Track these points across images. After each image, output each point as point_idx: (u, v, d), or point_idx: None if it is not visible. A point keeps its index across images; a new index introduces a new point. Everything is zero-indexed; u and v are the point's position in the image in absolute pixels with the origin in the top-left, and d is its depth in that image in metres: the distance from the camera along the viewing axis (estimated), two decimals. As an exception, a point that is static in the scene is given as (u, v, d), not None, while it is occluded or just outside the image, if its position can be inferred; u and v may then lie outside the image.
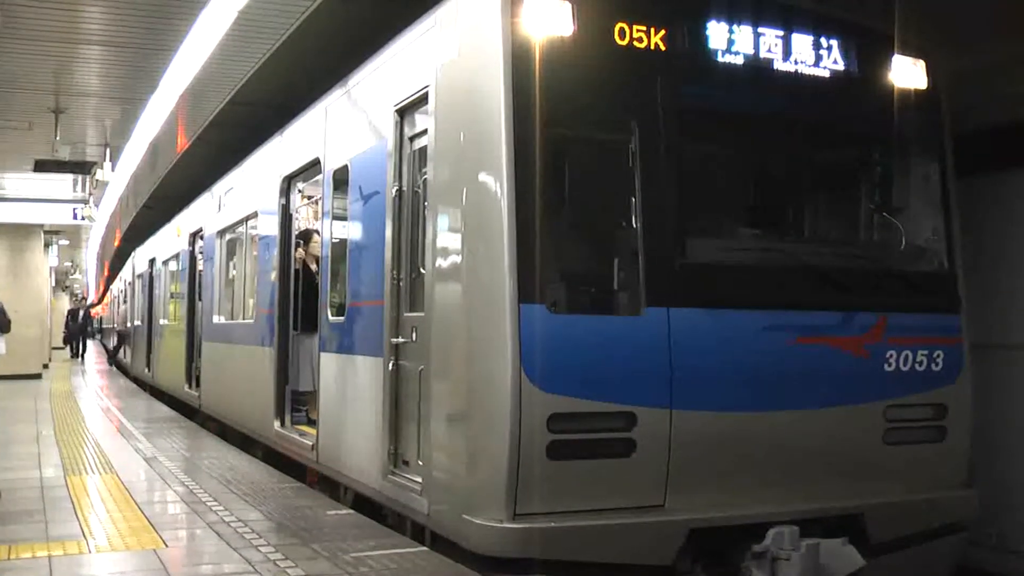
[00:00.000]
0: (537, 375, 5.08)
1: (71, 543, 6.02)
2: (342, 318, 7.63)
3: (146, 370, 20.97)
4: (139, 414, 15.19)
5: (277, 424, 9.36)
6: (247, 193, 11.44)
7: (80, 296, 60.16)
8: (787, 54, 5.95)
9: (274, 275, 9.61)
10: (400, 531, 6.33)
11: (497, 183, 5.25)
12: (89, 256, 37.52)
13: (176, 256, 17.23)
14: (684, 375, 5.38)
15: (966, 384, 6.27)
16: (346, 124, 7.82)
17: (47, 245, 27.16)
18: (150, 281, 21.20)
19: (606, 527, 5.19)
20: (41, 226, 23.78)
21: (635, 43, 5.51)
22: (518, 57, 5.24)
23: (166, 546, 5.98)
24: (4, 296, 23.40)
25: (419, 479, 5.91)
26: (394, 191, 6.48)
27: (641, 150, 5.51)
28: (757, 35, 5.87)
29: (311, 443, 8.17)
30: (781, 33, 5.93)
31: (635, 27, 5.50)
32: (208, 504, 7.29)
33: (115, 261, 35.22)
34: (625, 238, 5.47)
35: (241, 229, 12.04)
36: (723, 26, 5.77)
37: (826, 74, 6.07)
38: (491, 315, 5.22)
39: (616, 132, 5.60)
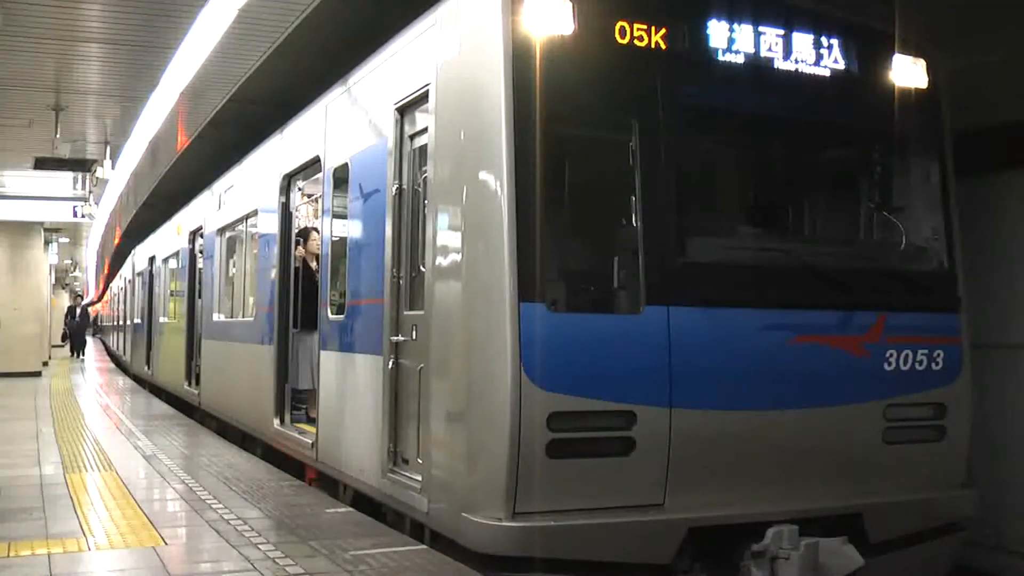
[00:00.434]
0: (537, 373, 5.08)
1: (70, 541, 6.03)
2: (342, 316, 7.63)
3: (146, 368, 20.97)
4: (139, 412, 15.20)
5: (276, 422, 9.36)
6: (247, 191, 11.44)
7: (78, 294, 60.12)
8: (787, 53, 5.95)
9: (274, 273, 9.61)
10: (399, 529, 6.33)
11: (497, 181, 5.25)
12: (89, 254, 37.51)
13: (176, 254, 17.23)
14: (684, 374, 5.38)
15: (965, 384, 6.28)
16: (346, 122, 7.82)
17: (47, 243, 27.15)
18: (150, 279, 21.20)
19: (605, 526, 5.19)
20: (41, 224, 23.77)
21: (635, 42, 5.51)
22: (518, 56, 5.24)
23: (165, 544, 5.98)
24: (4, 294, 23.47)
25: (418, 477, 5.91)
26: (394, 189, 6.48)
27: (641, 149, 5.51)
28: (757, 34, 5.87)
29: (310, 441, 8.17)
30: (781, 32, 5.93)
31: (635, 26, 5.50)
32: (207, 502, 7.29)
33: (115, 259, 35.22)
34: (625, 237, 5.47)
35: (241, 227, 12.04)
36: (723, 25, 5.77)
37: (826, 73, 6.06)
38: (491, 313, 5.22)
39: (616, 131, 5.60)
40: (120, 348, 31.51)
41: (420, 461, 5.92)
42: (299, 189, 9.57)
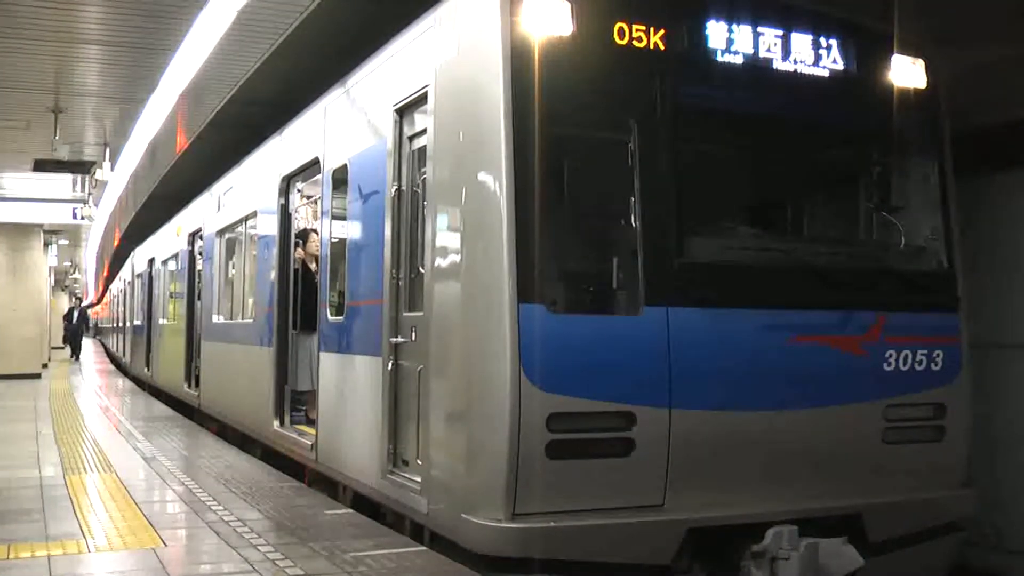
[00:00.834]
0: (536, 375, 5.08)
1: (70, 542, 6.02)
2: (341, 318, 7.63)
3: (145, 369, 20.97)
4: (138, 413, 15.19)
5: (276, 423, 9.36)
6: (246, 193, 11.44)
7: (77, 295, 60.02)
8: (786, 54, 5.96)
9: (273, 275, 9.61)
10: (399, 530, 6.33)
11: (496, 182, 5.26)
12: (89, 256, 37.50)
13: (175, 256, 17.22)
14: (683, 374, 5.38)
15: (965, 384, 6.28)
16: (345, 123, 7.82)
17: (46, 244, 27.15)
18: (149, 281, 21.20)
19: (605, 526, 5.19)
20: (40, 226, 23.76)
21: (634, 42, 5.51)
22: (517, 57, 5.24)
23: (165, 545, 5.98)
24: (4, 296, 23.47)
25: (418, 478, 5.91)
26: (393, 190, 6.48)
27: (640, 149, 5.51)
28: (756, 35, 5.87)
29: (310, 442, 8.17)
30: (780, 33, 5.94)
31: (634, 26, 5.51)
32: (207, 503, 7.29)
33: (115, 261, 35.20)
34: (624, 237, 5.47)
35: (240, 229, 12.04)
36: (722, 25, 5.78)
37: (825, 73, 6.07)
38: (490, 315, 5.22)
39: (615, 131, 5.60)
40: (120, 350, 31.51)
41: (420, 462, 5.92)
42: (298, 190, 9.58)
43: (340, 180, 7.82)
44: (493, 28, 5.33)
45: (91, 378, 25.59)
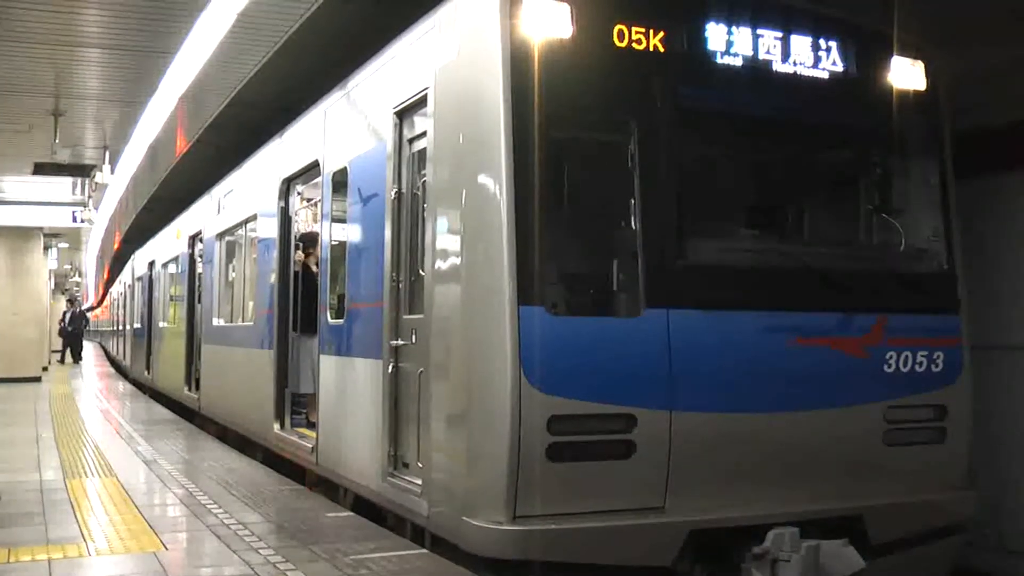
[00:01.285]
0: (537, 377, 5.08)
1: (71, 546, 6.02)
2: (342, 320, 7.63)
3: (146, 373, 20.97)
4: (139, 416, 15.19)
5: (277, 426, 9.36)
6: (246, 195, 11.44)
7: (70, 299, 59.73)
8: (786, 55, 5.96)
9: (273, 277, 9.61)
10: (400, 533, 6.33)
11: (496, 185, 5.26)
12: (89, 259, 37.47)
13: (176, 259, 17.23)
14: (684, 376, 5.38)
15: (966, 385, 6.27)
16: (345, 126, 7.82)
17: (47, 248, 27.14)
18: (149, 284, 21.20)
19: (606, 529, 5.19)
20: (40, 229, 23.78)
21: (634, 45, 5.51)
22: (517, 59, 5.25)
23: (166, 549, 5.97)
24: (4, 299, 23.47)
25: (419, 481, 5.91)
26: (393, 193, 6.48)
27: (640, 152, 5.51)
28: (756, 36, 5.87)
29: (311, 445, 8.17)
30: (780, 34, 5.94)
31: (634, 29, 5.51)
32: (208, 506, 7.28)
33: (115, 264, 35.18)
34: (624, 239, 5.47)
35: (240, 231, 12.04)
36: (722, 27, 5.78)
37: (825, 75, 6.07)
38: (491, 317, 5.22)
39: (615, 134, 5.60)
40: (120, 353, 31.50)
41: (420, 465, 5.91)
42: (298, 193, 9.58)
43: (340, 183, 7.82)
44: (493, 31, 5.33)
45: (91, 381, 25.58)
